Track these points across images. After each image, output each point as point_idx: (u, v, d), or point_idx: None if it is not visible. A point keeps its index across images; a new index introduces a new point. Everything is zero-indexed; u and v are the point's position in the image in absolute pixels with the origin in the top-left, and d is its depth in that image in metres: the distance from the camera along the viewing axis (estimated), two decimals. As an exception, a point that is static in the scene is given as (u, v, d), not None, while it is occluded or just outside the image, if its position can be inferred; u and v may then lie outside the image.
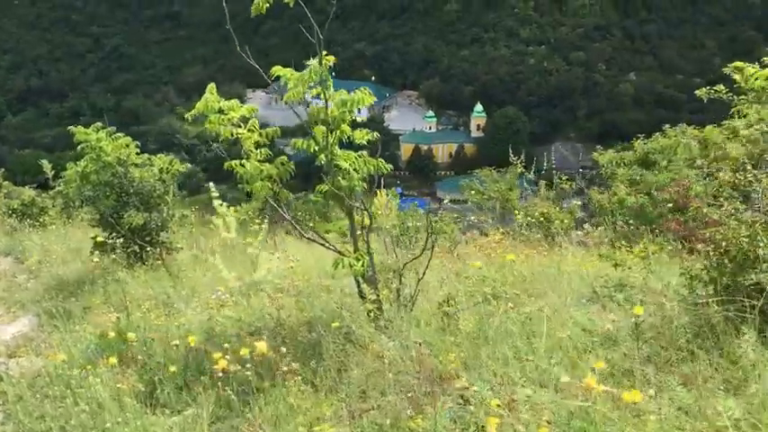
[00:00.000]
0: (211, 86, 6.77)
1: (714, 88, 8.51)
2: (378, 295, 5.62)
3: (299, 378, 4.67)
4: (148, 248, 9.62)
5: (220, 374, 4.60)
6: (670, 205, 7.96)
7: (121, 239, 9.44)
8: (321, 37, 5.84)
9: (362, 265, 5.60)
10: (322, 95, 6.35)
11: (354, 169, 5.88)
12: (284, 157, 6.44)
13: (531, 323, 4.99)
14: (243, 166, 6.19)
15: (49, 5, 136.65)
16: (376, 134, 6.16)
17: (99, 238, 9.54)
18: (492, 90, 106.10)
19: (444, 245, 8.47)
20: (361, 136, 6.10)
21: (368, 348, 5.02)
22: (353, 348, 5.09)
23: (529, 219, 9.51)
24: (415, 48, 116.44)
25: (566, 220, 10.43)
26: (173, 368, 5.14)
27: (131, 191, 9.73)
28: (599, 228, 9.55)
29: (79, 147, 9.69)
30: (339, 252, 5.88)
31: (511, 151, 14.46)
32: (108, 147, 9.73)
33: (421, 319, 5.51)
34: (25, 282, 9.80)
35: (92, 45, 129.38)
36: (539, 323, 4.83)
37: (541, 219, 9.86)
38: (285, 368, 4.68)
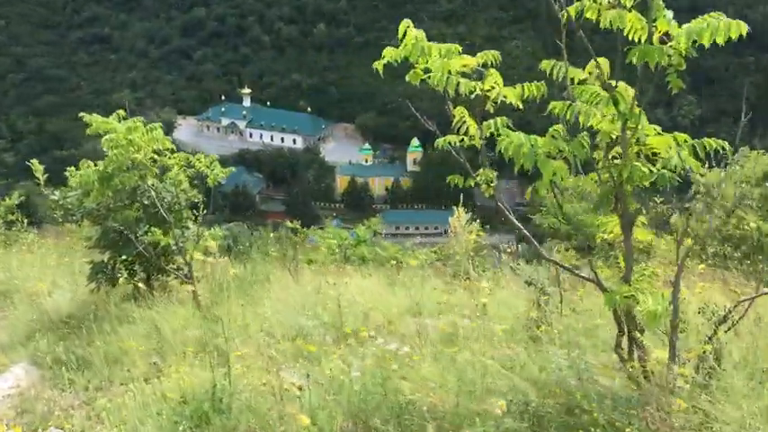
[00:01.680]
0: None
1: None
2: (645, 355, 3.86)
3: None
4: (164, 276, 8.04)
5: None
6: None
7: (131, 264, 7.84)
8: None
9: (663, 309, 3.72)
10: None
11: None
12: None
13: None
14: None
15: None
16: None
17: (103, 260, 7.77)
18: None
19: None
20: None
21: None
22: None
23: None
24: (352, 81, 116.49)
25: None
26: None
27: (166, 199, 7.88)
28: None
29: (105, 138, 7.51)
30: (601, 286, 4.11)
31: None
32: (141, 140, 7.58)
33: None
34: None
35: (13, 65, 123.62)
36: None
37: None
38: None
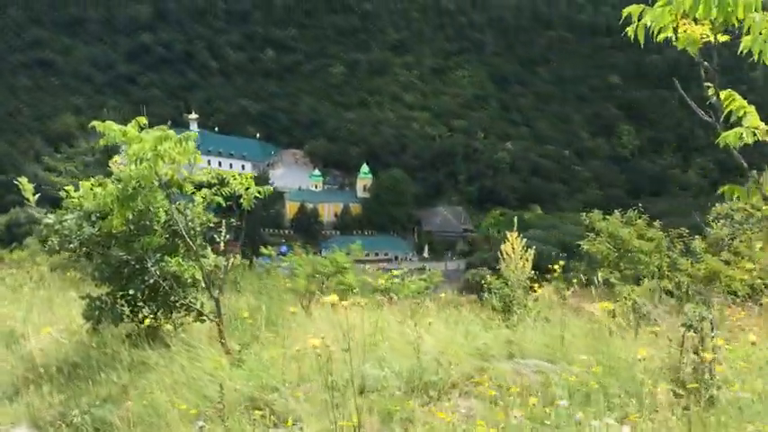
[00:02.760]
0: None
1: None
2: None
3: None
4: (175, 313, 6.89)
5: None
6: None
7: (133, 300, 6.75)
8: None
9: None
10: None
11: None
12: None
13: None
14: None
15: None
16: None
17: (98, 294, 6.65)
18: (378, 152, 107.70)
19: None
20: None
21: None
22: None
23: None
24: (301, 107, 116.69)
25: None
26: None
27: (193, 225, 6.86)
28: None
29: (129, 150, 6.36)
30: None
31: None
32: (173, 151, 6.33)
33: None
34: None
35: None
36: None
37: None
38: None
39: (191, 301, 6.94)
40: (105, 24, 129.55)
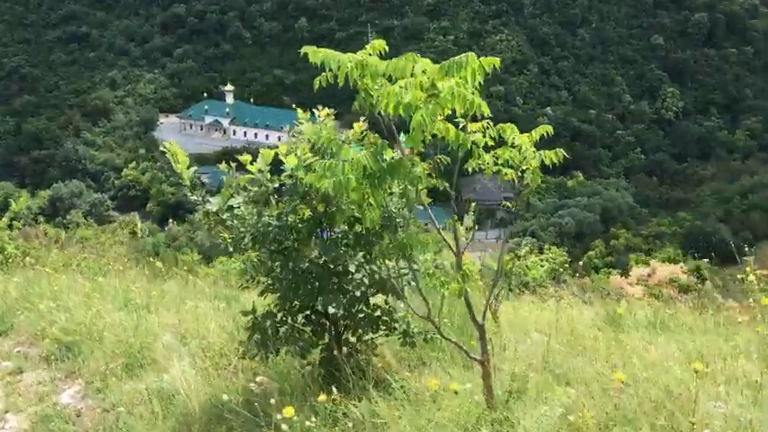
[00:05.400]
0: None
1: None
2: None
3: None
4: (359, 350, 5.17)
5: None
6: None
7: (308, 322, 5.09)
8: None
9: None
10: None
11: None
12: None
13: None
14: None
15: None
16: None
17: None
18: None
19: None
20: None
21: None
22: None
23: None
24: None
25: None
26: None
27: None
28: None
29: (393, 88, 3.88)
30: None
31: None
32: (466, 92, 3.88)
33: None
34: (93, 416, 5.18)
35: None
36: None
37: None
38: None
39: (394, 319, 5.10)
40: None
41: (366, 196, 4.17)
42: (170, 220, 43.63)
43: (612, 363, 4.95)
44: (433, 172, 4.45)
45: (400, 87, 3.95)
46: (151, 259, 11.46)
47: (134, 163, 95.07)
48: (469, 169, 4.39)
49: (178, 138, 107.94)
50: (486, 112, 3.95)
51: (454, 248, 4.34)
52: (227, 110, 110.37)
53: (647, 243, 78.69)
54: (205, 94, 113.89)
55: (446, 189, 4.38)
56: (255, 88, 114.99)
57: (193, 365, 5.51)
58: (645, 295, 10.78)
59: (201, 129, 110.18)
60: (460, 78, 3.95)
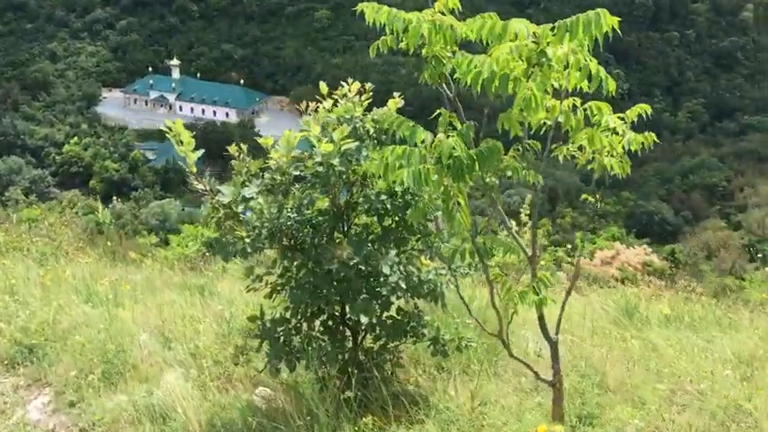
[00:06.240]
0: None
1: None
2: None
3: None
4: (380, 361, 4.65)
5: None
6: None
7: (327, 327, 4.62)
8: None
9: None
10: None
11: None
12: None
13: None
14: None
15: None
16: None
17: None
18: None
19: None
20: None
21: None
22: None
23: None
24: (286, 52, 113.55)
25: None
26: None
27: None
28: None
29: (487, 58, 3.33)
30: None
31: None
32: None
33: None
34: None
35: None
36: None
37: None
38: None
39: (422, 324, 4.60)
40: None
41: (451, 191, 3.47)
42: (114, 198, 42.41)
43: (661, 371, 4.74)
44: (522, 161, 3.85)
45: (507, 54, 3.19)
46: (109, 243, 10.91)
47: (76, 138, 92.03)
48: (560, 157, 3.82)
49: (123, 113, 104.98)
50: (612, 87, 3.49)
51: (529, 252, 3.84)
52: (173, 85, 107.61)
53: (592, 222, 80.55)
54: (150, 69, 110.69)
55: (537, 182, 3.88)
56: (202, 63, 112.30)
57: (186, 376, 4.83)
58: (621, 280, 10.98)
59: (146, 104, 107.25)
60: (576, 44, 3.32)
